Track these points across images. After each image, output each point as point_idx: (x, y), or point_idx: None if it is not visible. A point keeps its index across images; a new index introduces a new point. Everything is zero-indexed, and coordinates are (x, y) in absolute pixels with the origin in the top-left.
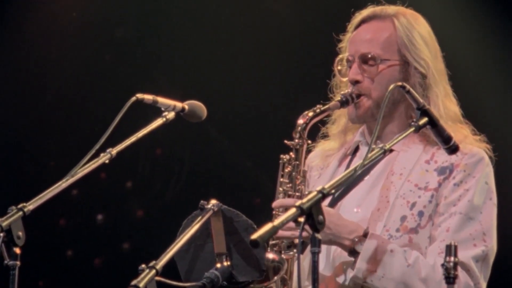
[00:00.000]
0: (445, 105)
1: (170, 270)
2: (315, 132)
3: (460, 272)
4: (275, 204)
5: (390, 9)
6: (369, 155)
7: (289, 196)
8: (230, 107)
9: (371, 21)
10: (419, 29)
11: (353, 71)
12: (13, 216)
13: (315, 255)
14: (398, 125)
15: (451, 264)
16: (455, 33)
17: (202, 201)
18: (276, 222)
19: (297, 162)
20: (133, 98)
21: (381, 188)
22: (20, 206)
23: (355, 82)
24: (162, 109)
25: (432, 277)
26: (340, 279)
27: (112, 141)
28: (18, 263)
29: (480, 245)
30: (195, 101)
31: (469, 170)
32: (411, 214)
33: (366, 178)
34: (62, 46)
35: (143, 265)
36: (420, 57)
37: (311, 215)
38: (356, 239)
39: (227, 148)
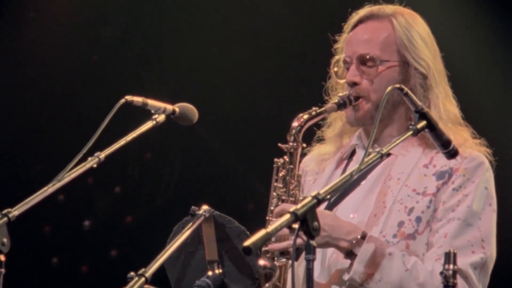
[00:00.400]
0: (445, 106)
1: (160, 278)
2: (310, 136)
3: (458, 279)
4: (276, 210)
5: (388, 8)
6: (366, 159)
7: (283, 201)
8: (222, 110)
9: (368, 21)
10: (418, 29)
11: (351, 72)
12: None
13: (309, 263)
14: (398, 128)
15: (450, 272)
16: (454, 33)
17: (193, 207)
18: (270, 228)
19: (291, 166)
20: (122, 100)
21: (378, 193)
22: (4, 212)
23: (353, 84)
24: (152, 111)
25: (430, 283)
26: (336, 287)
27: (100, 145)
28: (3, 270)
29: (478, 252)
30: (186, 103)
31: (469, 175)
32: (409, 219)
33: (362, 183)
34: (47, 46)
35: (132, 273)
36: (420, 57)
37: (306, 221)
38: (354, 241)
39: (219, 152)
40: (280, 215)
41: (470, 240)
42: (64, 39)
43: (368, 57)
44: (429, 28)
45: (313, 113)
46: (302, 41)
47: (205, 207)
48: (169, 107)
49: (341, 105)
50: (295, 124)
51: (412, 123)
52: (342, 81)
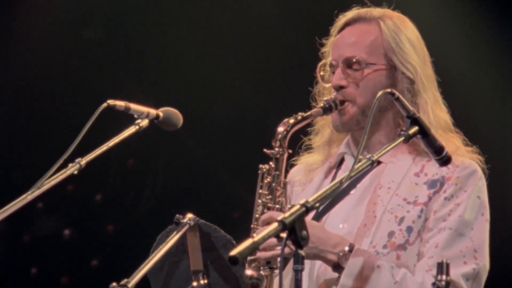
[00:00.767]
0: (435, 112)
1: None
2: (296, 141)
3: None
4: (263, 217)
5: (376, 11)
6: (356, 166)
7: (268, 208)
8: (207, 115)
9: (355, 24)
10: (406, 33)
11: (337, 76)
12: None
13: (298, 273)
14: (386, 134)
15: (443, 283)
16: (445, 38)
17: (177, 215)
18: (257, 237)
19: (277, 173)
20: (104, 105)
21: (368, 202)
22: None
23: (339, 88)
24: (135, 116)
25: None
26: None
27: (81, 151)
28: None
29: (471, 262)
30: (170, 108)
31: (461, 183)
32: (399, 229)
33: (352, 192)
34: (25, 49)
35: (114, 284)
36: (408, 62)
37: (294, 230)
38: (341, 254)
39: (204, 158)
40: (267, 223)
41: (462, 251)
42: (43, 41)
43: (354, 60)
44: (419, 32)
45: (299, 117)
46: (289, 45)
47: (190, 215)
48: (153, 111)
49: (326, 109)
50: (280, 129)
51: (403, 129)
52: (328, 85)
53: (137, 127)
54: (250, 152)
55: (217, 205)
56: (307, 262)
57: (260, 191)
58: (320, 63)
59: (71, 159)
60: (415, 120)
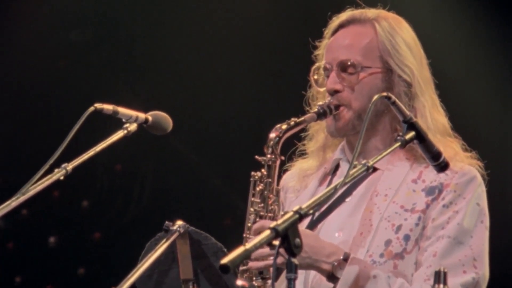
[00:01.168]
0: (433, 116)
1: None
2: (289, 147)
3: None
4: (255, 227)
5: (371, 12)
6: (351, 172)
7: (261, 217)
8: (198, 119)
9: (350, 26)
10: (402, 34)
11: (331, 80)
12: None
13: (291, 282)
14: (382, 139)
15: None
16: (442, 39)
17: (166, 222)
18: (249, 245)
19: (270, 180)
20: (91, 108)
21: (364, 210)
22: None
23: (334, 92)
24: (123, 120)
25: None
26: None
27: (67, 156)
28: None
29: (470, 271)
30: (160, 111)
31: (460, 190)
32: (396, 238)
33: (348, 199)
34: (11, 50)
35: None
36: (404, 64)
37: (287, 238)
38: (336, 263)
39: (194, 164)
40: (259, 232)
41: (461, 259)
42: (29, 43)
43: (349, 63)
44: (415, 33)
45: (292, 123)
46: (282, 48)
47: (179, 222)
48: (142, 115)
49: (321, 115)
50: (272, 135)
51: (399, 134)
52: (322, 90)
53: (125, 131)
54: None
55: (208, 211)
56: (301, 272)
57: (252, 199)
58: (314, 67)
59: (57, 164)
60: (411, 125)
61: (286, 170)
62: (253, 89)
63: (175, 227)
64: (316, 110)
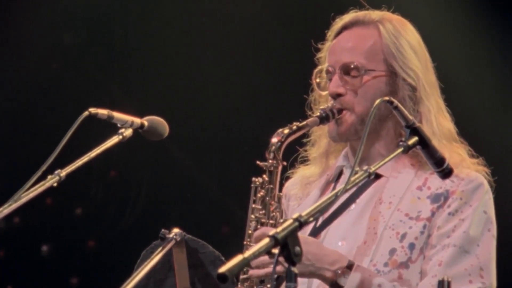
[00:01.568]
0: (439, 121)
1: None
2: (291, 153)
3: None
4: (256, 234)
5: (375, 14)
6: (352, 178)
7: (262, 224)
8: (195, 124)
9: (353, 28)
10: (407, 37)
11: (334, 83)
12: None
13: None
14: (386, 145)
15: None
16: (448, 42)
17: (163, 230)
18: (247, 253)
19: (271, 186)
20: (85, 113)
21: (368, 218)
22: None
23: (337, 96)
24: (118, 125)
25: None
26: None
27: (61, 162)
28: None
29: (476, 281)
30: (156, 116)
31: (466, 198)
32: (401, 246)
33: (352, 208)
34: (3, 53)
35: None
36: (409, 67)
37: (287, 246)
38: (339, 271)
39: (191, 170)
40: (260, 239)
41: (468, 269)
42: (22, 46)
43: (352, 66)
44: (420, 36)
45: (294, 127)
46: (283, 50)
47: (176, 230)
48: (137, 120)
49: (323, 119)
50: (274, 140)
51: (402, 139)
52: (325, 93)
53: (121, 136)
54: (241, 164)
55: (205, 219)
56: (304, 281)
57: (253, 205)
58: (316, 70)
59: (50, 170)
60: (414, 130)
61: (288, 177)
62: (252, 92)
63: (171, 235)
64: (318, 114)
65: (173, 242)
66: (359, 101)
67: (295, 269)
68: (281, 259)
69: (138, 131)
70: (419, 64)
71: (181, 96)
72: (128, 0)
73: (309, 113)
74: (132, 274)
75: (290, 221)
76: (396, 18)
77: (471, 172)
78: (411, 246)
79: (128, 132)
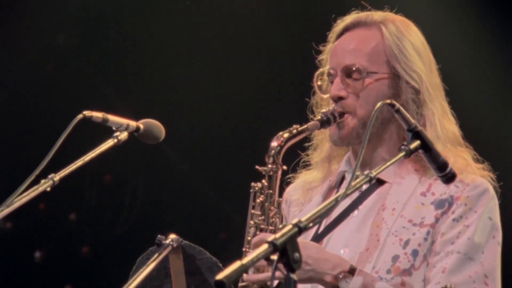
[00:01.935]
0: (443, 124)
1: None
2: (292, 157)
3: None
4: (255, 240)
5: (377, 15)
6: (353, 183)
7: (261, 230)
8: (192, 127)
9: (355, 29)
10: (410, 38)
11: (335, 86)
12: None
13: None
14: (389, 149)
15: None
16: (452, 43)
17: (159, 236)
18: (245, 260)
19: (271, 191)
20: (80, 116)
21: (371, 225)
22: None
23: (338, 99)
24: (113, 128)
25: None
26: None
27: (54, 166)
28: None
29: None
30: (152, 119)
31: (471, 204)
32: (404, 253)
33: (354, 214)
34: None
35: None
36: (412, 70)
37: (286, 252)
38: (341, 276)
39: (188, 174)
40: (258, 245)
41: (472, 276)
42: (15, 46)
43: (354, 68)
44: (424, 37)
45: (294, 131)
46: (284, 52)
47: (172, 236)
48: (133, 123)
49: (324, 122)
50: (274, 144)
51: (404, 143)
52: (326, 96)
53: (116, 140)
54: (239, 168)
55: (202, 225)
56: (306, 286)
57: (252, 211)
58: (317, 72)
59: (43, 174)
60: (416, 134)
61: (289, 182)
62: (252, 95)
63: (167, 241)
64: (319, 117)
65: (169, 248)
66: (361, 104)
67: (294, 276)
68: (280, 266)
69: (134, 134)
70: (423, 66)
71: (178, 98)
72: (123, 1)
73: (311, 116)
74: (127, 281)
75: (289, 227)
76: (399, 19)
77: (476, 177)
78: (415, 253)
79: (124, 135)
